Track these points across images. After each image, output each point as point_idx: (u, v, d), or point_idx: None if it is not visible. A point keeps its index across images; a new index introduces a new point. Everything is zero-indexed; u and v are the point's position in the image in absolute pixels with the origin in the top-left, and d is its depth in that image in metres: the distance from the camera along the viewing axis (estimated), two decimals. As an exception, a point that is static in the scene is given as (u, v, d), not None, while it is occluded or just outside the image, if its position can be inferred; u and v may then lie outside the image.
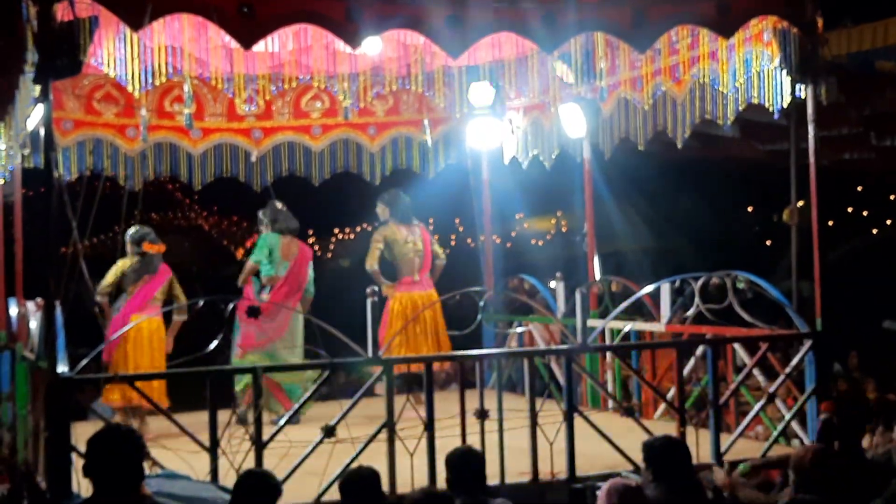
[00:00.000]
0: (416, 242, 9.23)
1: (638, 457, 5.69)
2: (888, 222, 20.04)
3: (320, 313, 8.80)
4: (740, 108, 7.38)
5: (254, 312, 8.67)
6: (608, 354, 8.85)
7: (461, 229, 22.26)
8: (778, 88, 7.04)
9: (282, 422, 6.43)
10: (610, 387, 8.75)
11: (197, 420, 6.32)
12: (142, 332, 8.32)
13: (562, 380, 7.21)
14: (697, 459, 6.08)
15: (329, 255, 24.91)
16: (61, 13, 5.66)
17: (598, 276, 9.35)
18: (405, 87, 8.77)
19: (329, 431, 6.24)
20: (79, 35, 5.66)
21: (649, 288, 8.03)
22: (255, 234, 9.37)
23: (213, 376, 6.31)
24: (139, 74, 6.52)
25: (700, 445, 6.54)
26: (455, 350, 7.55)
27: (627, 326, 8.59)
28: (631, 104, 8.37)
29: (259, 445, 6.07)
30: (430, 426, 6.32)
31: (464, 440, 6.24)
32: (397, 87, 8.72)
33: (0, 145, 6.90)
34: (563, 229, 23.54)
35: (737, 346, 8.06)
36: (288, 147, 9.70)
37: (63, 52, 5.66)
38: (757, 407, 7.30)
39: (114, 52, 6.45)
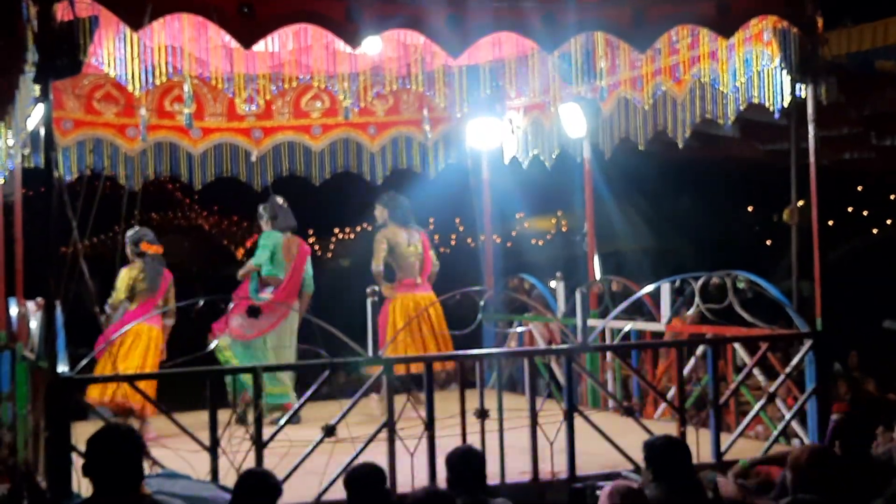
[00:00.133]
0: (416, 246, 9.25)
1: (638, 456, 5.69)
2: (888, 222, 20.04)
3: (320, 313, 8.82)
4: (741, 108, 7.38)
5: (254, 312, 8.70)
6: (608, 354, 8.86)
7: (461, 229, 22.28)
8: (778, 88, 7.03)
9: (282, 421, 6.43)
10: (610, 386, 8.75)
11: (197, 420, 6.32)
12: (141, 337, 8.33)
13: (562, 379, 7.21)
14: (698, 459, 6.08)
15: (329, 254, 24.92)
16: (61, 13, 5.66)
17: (598, 275, 9.35)
18: (405, 87, 8.77)
19: (329, 431, 6.24)
20: (79, 35, 5.66)
21: (649, 288, 8.03)
22: (255, 235, 9.38)
23: (213, 376, 6.31)
24: (139, 74, 6.51)
25: (700, 445, 6.54)
26: (455, 350, 7.55)
27: (627, 326, 8.59)
28: (631, 104, 8.37)
29: (259, 445, 6.07)
30: (430, 426, 6.33)
31: (464, 440, 6.25)
32: (397, 86, 8.71)
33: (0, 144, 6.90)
34: (564, 229, 23.55)
35: (737, 345, 8.06)
36: (288, 147, 9.70)
37: (63, 52, 5.66)
38: (757, 406, 7.30)
39: (114, 52, 6.45)
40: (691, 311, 8.31)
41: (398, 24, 6.54)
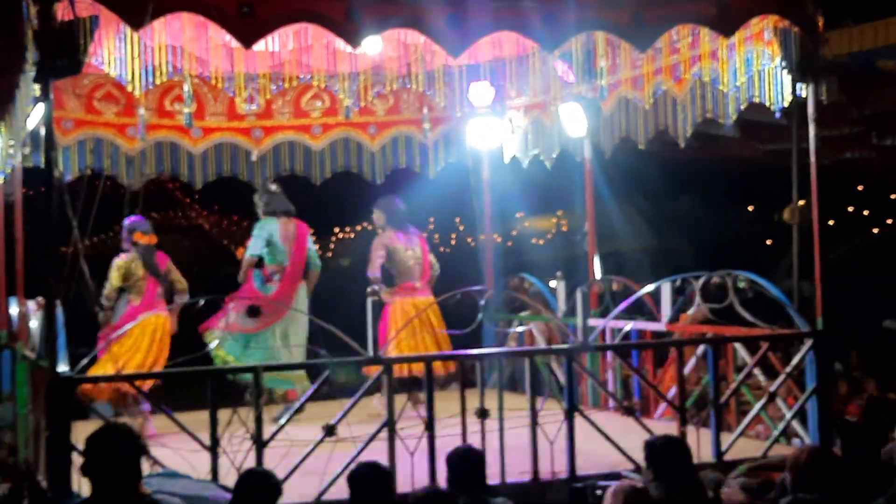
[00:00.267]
0: (415, 250, 9.23)
1: (639, 456, 5.69)
2: (889, 221, 20.04)
3: (321, 312, 8.82)
4: (741, 108, 7.38)
5: (254, 312, 8.69)
6: (609, 353, 8.85)
7: (462, 228, 22.29)
8: (779, 88, 7.03)
9: (283, 420, 6.43)
10: (611, 386, 8.75)
11: (197, 419, 6.32)
12: (146, 330, 8.34)
13: (562, 379, 7.21)
14: (698, 459, 6.08)
15: (329, 254, 24.91)
16: (62, 12, 5.66)
17: (598, 275, 9.35)
18: (406, 87, 8.76)
19: (330, 430, 6.24)
20: (79, 34, 5.66)
21: (650, 287, 8.03)
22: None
23: (214, 375, 6.31)
24: (139, 74, 6.52)
25: (701, 445, 6.54)
26: (456, 349, 7.55)
27: (628, 325, 8.59)
28: (632, 103, 8.37)
29: (260, 444, 6.07)
30: (430, 425, 6.33)
31: (464, 439, 6.24)
32: (398, 86, 8.71)
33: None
34: (564, 228, 23.55)
35: (737, 345, 8.06)
36: (288, 146, 9.69)
37: (63, 52, 5.66)
38: (758, 406, 7.30)
39: (114, 52, 6.45)
40: (692, 311, 8.30)
41: (398, 24, 6.55)
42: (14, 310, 7.35)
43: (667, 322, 8.36)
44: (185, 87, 7.88)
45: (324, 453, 6.18)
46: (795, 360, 7.27)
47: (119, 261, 8.48)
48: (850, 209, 19.61)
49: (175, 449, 6.14)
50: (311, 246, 9.17)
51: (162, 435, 7.50)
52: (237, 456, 5.98)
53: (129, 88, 6.65)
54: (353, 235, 24.91)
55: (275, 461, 5.92)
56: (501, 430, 6.47)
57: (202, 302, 6.52)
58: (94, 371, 7.79)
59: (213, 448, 6.00)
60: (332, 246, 25.26)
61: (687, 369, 7.66)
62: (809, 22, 6.94)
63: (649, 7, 6.69)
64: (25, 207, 7.36)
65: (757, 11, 6.95)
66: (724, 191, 18.92)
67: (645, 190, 17.99)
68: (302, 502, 5.96)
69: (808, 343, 7.10)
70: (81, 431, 5.25)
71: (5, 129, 6.05)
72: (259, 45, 6.31)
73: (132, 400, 8.14)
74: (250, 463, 5.91)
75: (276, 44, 6.89)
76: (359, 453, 6.13)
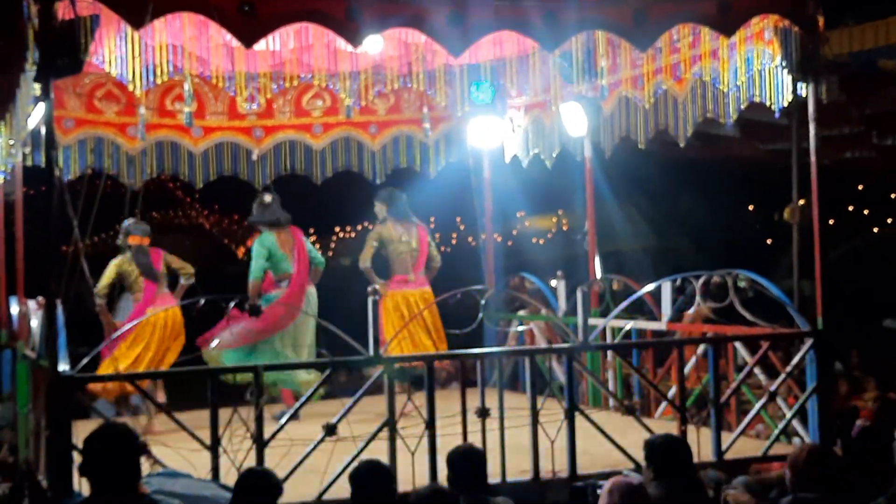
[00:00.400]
0: (411, 241, 9.19)
1: (639, 455, 5.69)
2: (889, 221, 20.04)
3: (321, 311, 8.82)
4: (741, 107, 7.38)
5: (255, 311, 8.68)
6: (609, 353, 8.85)
7: (462, 228, 22.30)
8: (779, 87, 7.03)
9: (283, 420, 6.43)
10: (611, 385, 8.75)
11: (198, 417, 6.32)
12: (157, 325, 8.39)
13: (563, 378, 7.21)
14: (698, 458, 6.09)
15: (330, 253, 24.92)
16: (62, 12, 5.66)
17: (599, 274, 9.35)
18: (406, 86, 8.77)
19: (330, 429, 6.24)
20: (80, 34, 5.66)
21: (650, 286, 8.03)
22: (255, 233, 9.35)
23: (214, 375, 6.31)
24: (140, 73, 6.52)
25: (701, 444, 6.55)
26: (456, 348, 7.56)
27: (628, 325, 8.59)
28: (632, 103, 8.37)
29: (260, 443, 6.07)
30: (431, 424, 6.33)
31: (465, 438, 6.25)
32: (398, 85, 8.72)
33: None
34: (564, 228, 23.58)
35: (738, 344, 8.06)
36: (289, 145, 9.69)
37: (64, 51, 5.66)
38: (758, 405, 7.30)
39: (115, 51, 6.44)
40: (692, 310, 8.30)
41: (399, 23, 6.55)
42: (14, 309, 7.35)
43: (667, 321, 8.36)
44: (186, 87, 7.88)
45: (324, 452, 6.18)
46: (796, 360, 7.27)
47: (114, 260, 8.61)
48: (851, 209, 19.62)
49: (175, 448, 6.14)
50: (309, 245, 9.16)
51: (162, 433, 7.51)
52: (238, 455, 5.98)
53: (130, 88, 6.65)
54: (353, 235, 24.92)
55: (275, 460, 5.92)
56: (502, 429, 6.47)
57: (202, 301, 6.51)
58: (103, 370, 7.84)
59: (214, 447, 6.00)
60: (332, 245, 25.27)
61: (687, 369, 7.66)
62: (810, 21, 6.94)
63: (650, 6, 6.69)
64: (26, 207, 7.37)
65: (757, 11, 6.95)
66: (725, 190, 18.91)
67: (645, 189, 17.99)
68: (302, 501, 5.96)
69: (809, 342, 7.10)
70: (82, 431, 5.26)
71: (6, 128, 6.05)
72: (260, 45, 6.30)
73: (138, 398, 8.20)
74: (251, 462, 5.91)
75: (276, 43, 6.89)
76: (360, 452, 6.13)
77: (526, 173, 10.34)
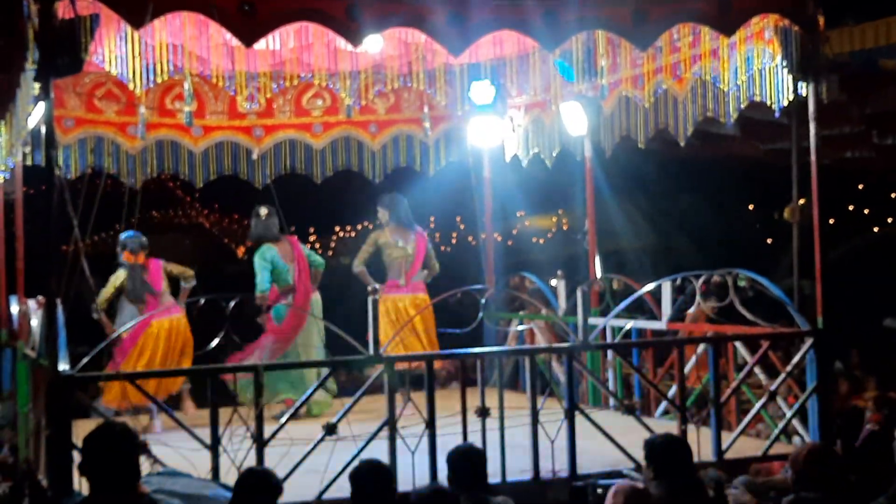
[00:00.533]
0: (406, 247, 9.21)
1: (639, 454, 5.68)
2: (889, 220, 20.03)
3: (322, 310, 8.83)
4: (742, 106, 7.38)
5: (257, 311, 8.71)
6: (609, 352, 8.85)
7: (462, 227, 22.27)
8: (779, 86, 7.03)
9: (283, 419, 6.43)
10: (611, 385, 8.75)
11: (198, 417, 6.32)
12: (161, 334, 8.39)
13: (563, 377, 7.21)
14: (698, 457, 6.08)
15: (330, 252, 24.90)
16: (62, 11, 5.66)
17: (599, 274, 9.35)
18: (406, 85, 8.77)
19: (330, 429, 6.24)
20: (80, 33, 5.66)
21: (650, 286, 8.03)
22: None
23: (214, 375, 6.31)
24: (140, 72, 6.51)
25: (701, 443, 6.54)
26: (456, 348, 7.55)
27: (629, 324, 8.59)
28: (632, 102, 8.37)
29: (260, 443, 6.06)
30: (431, 424, 6.33)
31: (465, 438, 6.24)
32: (398, 84, 8.72)
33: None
34: (565, 227, 23.55)
35: (738, 344, 8.06)
36: (289, 145, 9.69)
37: (64, 50, 5.66)
38: (758, 405, 7.30)
39: (115, 50, 6.44)
40: (692, 310, 8.30)
41: (399, 23, 6.55)
42: (15, 308, 7.35)
43: (667, 321, 8.36)
44: (186, 86, 7.87)
45: (324, 452, 6.18)
46: (796, 359, 7.27)
47: (112, 278, 8.64)
48: (851, 208, 19.61)
49: (176, 447, 6.14)
50: (308, 251, 9.16)
51: (163, 432, 7.51)
52: (238, 455, 5.98)
53: (130, 87, 6.65)
54: (353, 234, 24.90)
55: (275, 460, 5.92)
56: (502, 428, 6.47)
57: (202, 301, 6.51)
58: (111, 386, 7.85)
59: (214, 447, 6.00)
60: (332, 245, 25.25)
61: (687, 368, 7.66)
62: (810, 21, 6.94)
63: (650, 6, 6.69)
64: (26, 206, 7.37)
65: (758, 10, 6.95)
66: (725, 190, 18.90)
67: (645, 188, 17.98)
68: (302, 501, 5.96)
69: (809, 342, 7.10)
70: (82, 430, 5.26)
71: (6, 127, 6.05)
72: (260, 44, 6.31)
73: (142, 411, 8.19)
74: (251, 462, 5.91)
75: (276, 42, 6.89)
76: (360, 452, 6.13)
77: (526, 173, 10.34)
